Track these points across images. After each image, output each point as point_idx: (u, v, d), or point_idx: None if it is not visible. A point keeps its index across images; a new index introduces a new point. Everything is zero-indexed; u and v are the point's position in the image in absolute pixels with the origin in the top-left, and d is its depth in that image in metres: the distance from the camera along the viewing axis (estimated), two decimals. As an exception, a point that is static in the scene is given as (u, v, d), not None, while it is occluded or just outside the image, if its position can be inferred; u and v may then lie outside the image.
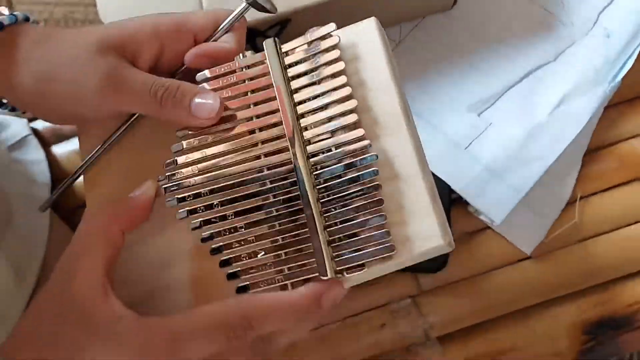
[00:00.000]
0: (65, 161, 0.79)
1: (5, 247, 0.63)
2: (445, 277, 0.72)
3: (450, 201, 0.72)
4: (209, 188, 0.48)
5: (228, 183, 0.48)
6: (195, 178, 0.49)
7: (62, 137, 0.80)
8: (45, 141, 0.80)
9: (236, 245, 0.47)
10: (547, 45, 0.75)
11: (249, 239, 0.47)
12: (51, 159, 0.79)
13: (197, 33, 0.52)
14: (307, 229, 0.46)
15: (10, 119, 0.78)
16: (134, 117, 0.54)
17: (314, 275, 0.45)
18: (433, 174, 0.70)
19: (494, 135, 0.73)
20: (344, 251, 0.45)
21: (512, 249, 0.71)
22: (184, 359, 0.42)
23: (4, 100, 0.56)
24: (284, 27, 0.68)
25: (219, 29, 0.53)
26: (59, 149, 0.80)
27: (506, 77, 0.75)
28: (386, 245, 0.45)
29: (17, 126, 0.78)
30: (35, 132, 0.80)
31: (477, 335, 0.70)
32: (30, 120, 0.80)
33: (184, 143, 0.50)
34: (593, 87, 0.73)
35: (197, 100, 0.49)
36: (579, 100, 0.72)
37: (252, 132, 0.49)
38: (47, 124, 0.80)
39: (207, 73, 0.51)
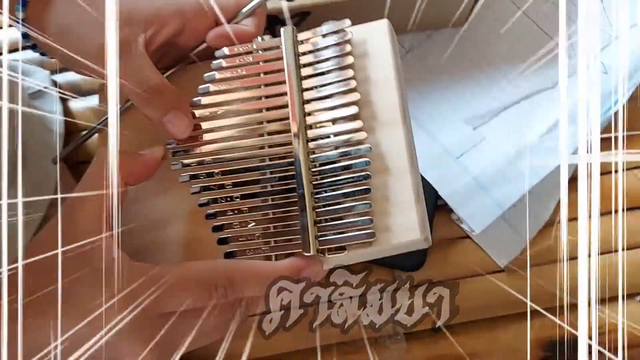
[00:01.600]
0: (80, 116, 0.81)
1: (17, 190, 0.64)
2: (422, 277, 0.73)
3: (435, 206, 0.74)
4: (212, 157, 0.50)
5: (231, 155, 0.50)
6: (202, 147, 0.51)
7: (80, 93, 0.82)
8: (64, 95, 0.82)
9: (230, 213, 0.49)
10: (548, 73, 0.77)
11: (242, 209, 0.49)
12: (67, 113, 0.80)
13: (218, 15, 0.53)
14: (297, 207, 0.48)
15: (34, 68, 0.80)
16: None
17: (297, 250, 0.47)
18: (423, 179, 0.72)
19: (485, 149, 0.74)
20: (328, 232, 0.47)
21: (488, 260, 0.73)
22: (166, 307, 0.44)
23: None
24: (304, 19, 0.70)
25: (242, 12, 0.54)
26: (75, 104, 0.81)
27: (505, 97, 0.76)
28: (367, 231, 0.47)
29: (40, 76, 0.79)
30: (55, 84, 0.81)
31: (441, 338, 0.71)
32: (53, 72, 0.82)
33: (196, 113, 0.52)
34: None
35: (167, 118, 0.50)
36: (571, 128, 0.73)
37: (259, 110, 0.51)
38: (68, 79, 0.82)
39: (225, 50, 0.53)
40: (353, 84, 0.49)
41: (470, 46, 0.78)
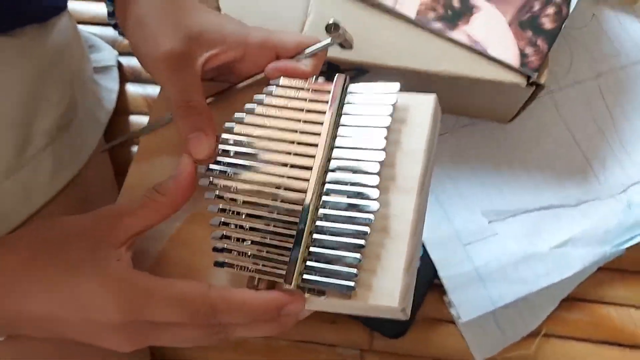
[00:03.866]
0: (132, 100, 0.82)
1: (55, 146, 0.65)
2: (398, 346, 0.72)
3: (431, 283, 0.73)
4: (234, 170, 0.51)
5: (252, 173, 0.50)
6: (229, 159, 0.52)
7: (139, 79, 0.83)
8: (124, 76, 0.83)
9: (232, 226, 0.49)
10: (574, 190, 0.76)
11: (245, 226, 0.49)
12: (122, 93, 0.82)
13: (280, 50, 0.55)
14: (292, 240, 0.48)
15: (105, 46, 0.82)
16: (214, 95, 0.56)
17: (279, 280, 0.47)
18: (427, 255, 0.72)
19: (494, 244, 0.74)
20: (313, 272, 0.47)
21: (466, 351, 0.72)
22: (147, 319, 0.45)
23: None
24: (361, 74, 0.70)
25: (304, 52, 0.55)
26: (132, 88, 0.83)
27: (527, 201, 0.76)
28: (349, 284, 0.46)
29: (108, 54, 0.81)
30: (119, 65, 0.83)
31: None
32: (121, 54, 0.84)
33: (235, 127, 0.53)
34: (597, 244, 0.73)
35: (192, 136, 0.51)
36: (581, 249, 0.73)
37: (291, 142, 0.51)
38: (132, 63, 0.83)
39: (280, 80, 0.54)
40: (383, 144, 0.49)
41: (507, 144, 0.78)
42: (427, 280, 0.73)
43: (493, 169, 0.77)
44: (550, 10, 0.69)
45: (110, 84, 0.79)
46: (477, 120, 0.80)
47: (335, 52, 0.63)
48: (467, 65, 0.68)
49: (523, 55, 0.68)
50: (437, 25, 0.69)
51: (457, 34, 0.68)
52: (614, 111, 0.79)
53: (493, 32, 0.68)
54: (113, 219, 0.48)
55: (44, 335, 0.48)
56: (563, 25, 0.69)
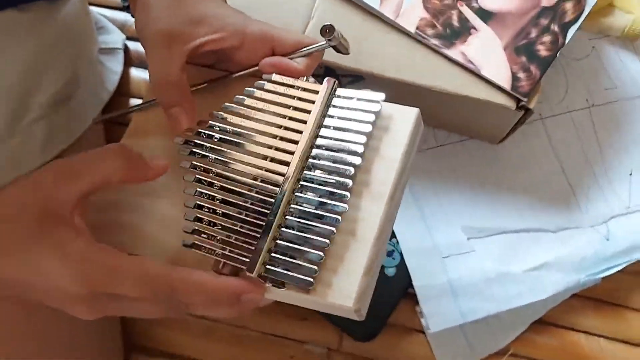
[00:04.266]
0: (135, 83, 0.84)
1: (51, 118, 0.67)
2: (365, 349, 0.74)
3: (405, 292, 0.75)
4: (215, 156, 0.52)
5: (232, 163, 0.52)
6: (213, 144, 0.53)
7: (144, 64, 0.85)
8: (130, 60, 0.85)
9: (205, 210, 0.51)
10: (555, 217, 0.77)
11: (218, 211, 0.50)
12: (125, 76, 0.83)
13: (277, 46, 0.56)
14: (261, 230, 0.49)
15: (114, 28, 0.83)
16: (200, 85, 0.58)
17: (242, 267, 0.48)
18: (403, 264, 0.73)
19: (470, 261, 0.75)
20: (276, 264, 0.48)
21: (432, 360, 0.73)
22: (108, 292, 0.46)
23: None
24: (356, 82, 0.72)
25: (299, 51, 0.56)
26: (135, 72, 0.84)
27: (508, 222, 0.77)
28: (308, 279, 0.47)
29: (116, 37, 0.83)
30: (126, 48, 0.85)
31: None
32: (129, 38, 0.85)
33: (222, 115, 0.54)
34: (572, 271, 0.74)
35: (171, 111, 0.53)
36: (555, 274, 0.73)
37: (274, 137, 0.52)
38: (138, 48, 0.85)
39: (273, 76, 0.55)
40: (361, 149, 0.50)
41: (496, 164, 0.79)
42: (402, 288, 0.74)
43: (479, 187, 0.78)
44: (547, 38, 0.70)
45: (114, 65, 0.80)
46: (467, 138, 0.81)
47: (334, 57, 0.65)
48: (460, 83, 0.69)
49: (515, 78, 0.69)
50: (435, 41, 0.70)
51: (453, 52, 0.70)
52: (603, 144, 0.80)
53: (488, 54, 0.69)
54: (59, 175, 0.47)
55: (10, 294, 0.49)
56: (558, 54, 0.70)
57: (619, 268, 0.74)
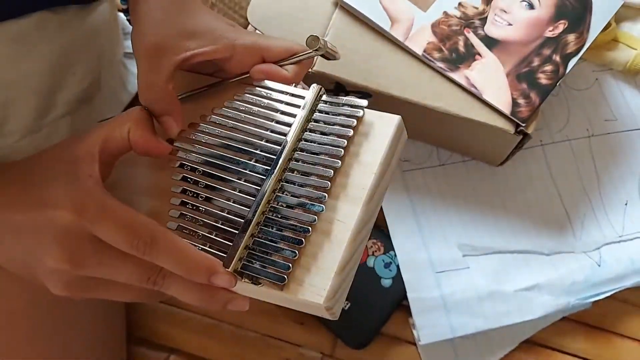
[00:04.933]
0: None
1: (74, 116, 0.71)
2: (358, 357, 0.75)
3: (398, 303, 0.77)
4: (204, 152, 0.55)
5: (218, 160, 0.54)
6: (200, 140, 0.56)
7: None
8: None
9: (190, 206, 0.53)
10: (549, 241, 0.78)
11: (201, 208, 0.53)
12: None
13: (266, 54, 0.58)
14: (240, 227, 0.51)
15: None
16: (202, 89, 0.60)
17: (221, 255, 0.50)
18: (400, 276, 0.75)
19: (464, 277, 0.76)
20: (252, 260, 0.50)
21: (422, 372, 0.74)
22: (93, 231, 0.48)
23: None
24: (365, 97, 0.74)
25: (289, 59, 0.59)
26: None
27: (503, 242, 0.78)
28: (281, 275, 0.49)
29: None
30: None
31: None
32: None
33: (212, 118, 0.57)
34: (562, 294, 0.75)
35: (161, 120, 0.56)
36: (545, 296, 0.74)
37: (260, 138, 0.55)
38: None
39: (265, 82, 0.58)
40: (340, 152, 0.52)
41: (494, 186, 0.81)
42: (397, 299, 0.76)
43: (476, 206, 0.80)
44: (548, 67, 0.72)
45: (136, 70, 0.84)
46: (469, 159, 0.83)
47: (344, 74, 0.68)
48: (462, 105, 0.72)
49: (515, 104, 0.71)
50: (441, 64, 0.72)
51: (458, 76, 0.72)
52: (601, 173, 0.81)
53: (490, 79, 0.72)
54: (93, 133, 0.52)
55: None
56: (560, 84, 0.72)
57: (609, 294, 0.75)
